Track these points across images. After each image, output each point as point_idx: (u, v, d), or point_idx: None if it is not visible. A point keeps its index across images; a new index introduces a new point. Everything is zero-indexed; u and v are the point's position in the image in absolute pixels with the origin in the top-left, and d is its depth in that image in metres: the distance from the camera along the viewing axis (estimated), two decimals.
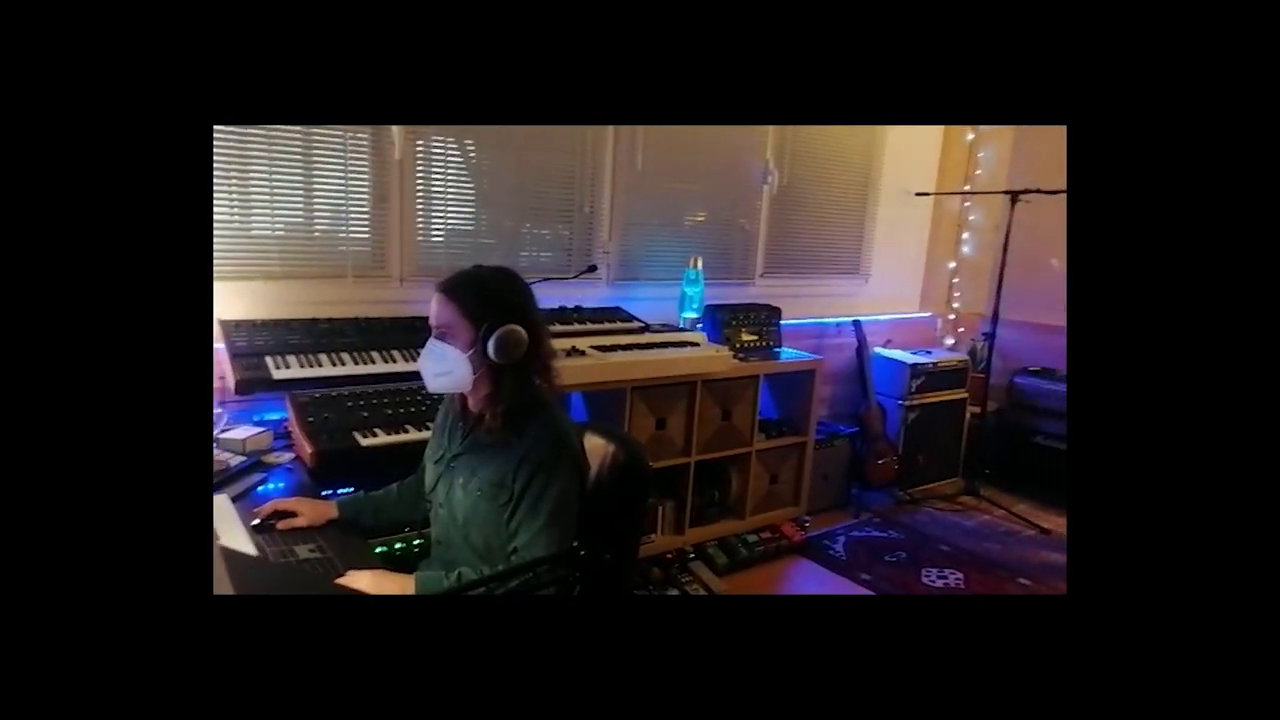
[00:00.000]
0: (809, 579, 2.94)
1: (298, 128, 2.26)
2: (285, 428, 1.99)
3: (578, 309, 2.76)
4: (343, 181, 2.38)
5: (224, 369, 1.96)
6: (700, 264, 2.99)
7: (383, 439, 1.87)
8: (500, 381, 1.34)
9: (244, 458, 1.80)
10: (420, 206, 2.55)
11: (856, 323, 3.66)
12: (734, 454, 3.02)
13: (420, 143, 2.50)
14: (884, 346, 3.89)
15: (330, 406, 1.93)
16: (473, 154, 2.69)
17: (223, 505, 1.54)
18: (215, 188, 2.11)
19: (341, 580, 1.25)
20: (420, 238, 2.58)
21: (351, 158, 2.38)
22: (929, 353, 3.88)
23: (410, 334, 2.22)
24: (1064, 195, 3.21)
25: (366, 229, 2.47)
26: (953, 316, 4.40)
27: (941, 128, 4.08)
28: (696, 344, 2.80)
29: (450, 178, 2.64)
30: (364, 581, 1.26)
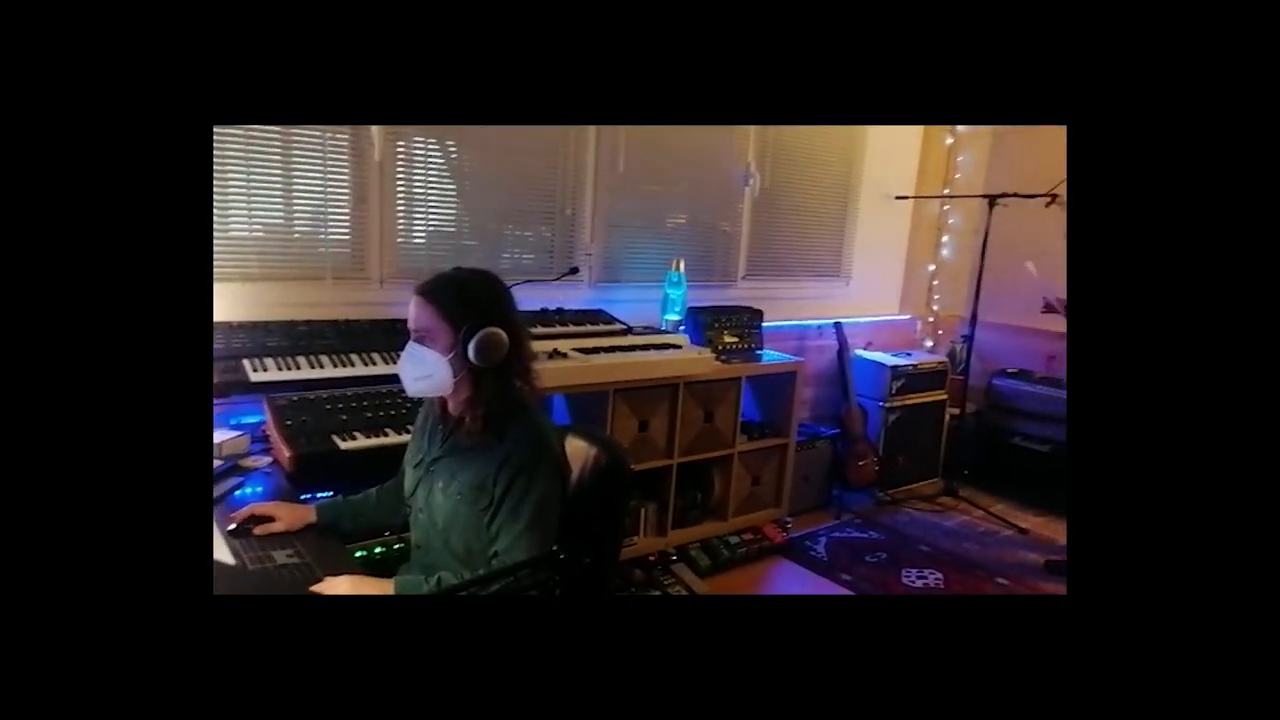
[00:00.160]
0: (790, 580, 2.96)
1: (276, 128, 2.24)
2: (263, 431, 1.97)
3: (560, 311, 2.76)
4: (322, 182, 2.36)
5: None
6: (683, 266, 2.99)
7: (362, 442, 1.85)
8: (481, 384, 1.34)
9: (221, 462, 1.78)
10: (402, 208, 2.54)
11: (837, 325, 3.68)
12: (716, 456, 3.03)
13: (400, 144, 2.48)
14: (865, 348, 3.92)
15: (309, 409, 1.91)
16: (455, 155, 2.68)
17: None
18: None
19: (318, 586, 1.24)
20: (401, 239, 2.56)
21: (330, 158, 2.36)
22: (909, 355, 3.91)
23: (390, 336, 2.20)
24: (1041, 199, 3.26)
25: (346, 230, 2.44)
26: (932, 319, 4.44)
27: (921, 132, 4.12)
28: (679, 346, 2.81)
29: (432, 179, 2.63)
30: (342, 587, 1.25)
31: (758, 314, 3.30)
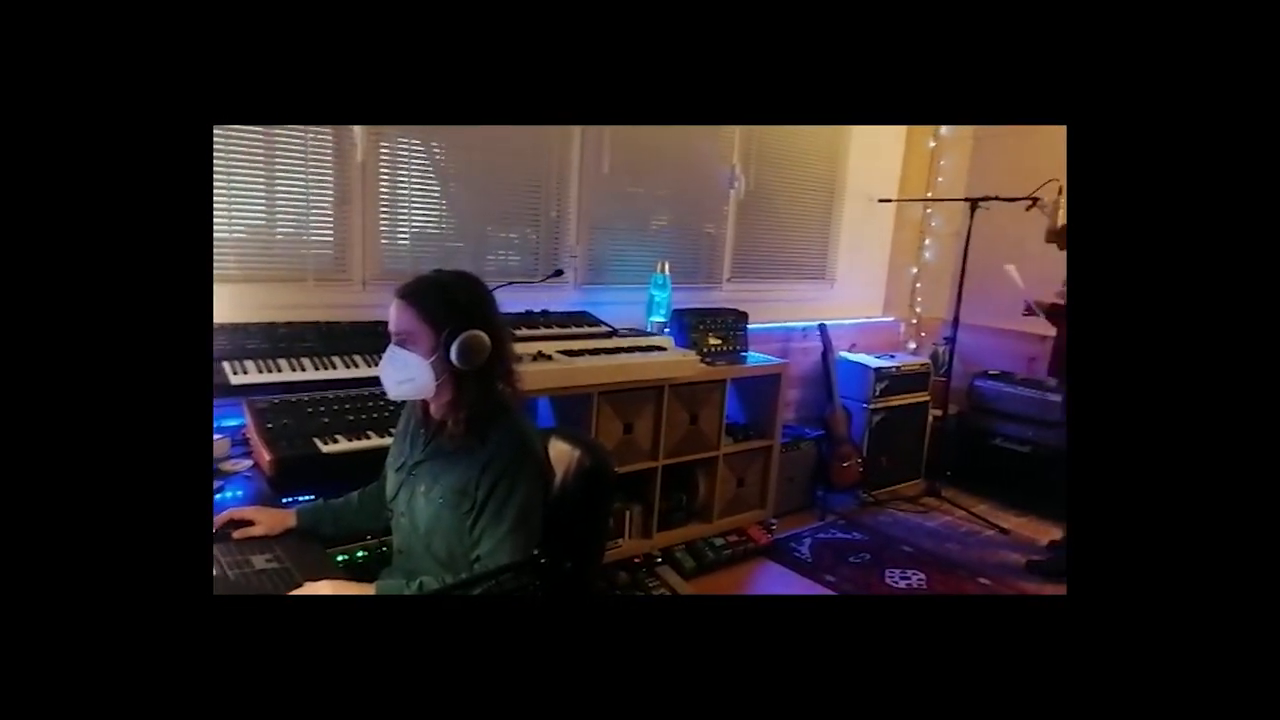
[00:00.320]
0: (774, 581, 2.97)
1: (258, 127, 2.22)
2: (243, 434, 1.95)
3: (544, 313, 2.75)
4: (304, 183, 2.34)
5: None
6: (668, 268, 3.00)
7: (344, 445, 1.84)
8: (463, 387, 1.33)
9: None
10: (385, 209, 2.52)
11: (822, 327, 3.70)
12: (701, 458, 3.04)
13: (384, 144, 2.47)
14: (849, 350, 3.93)
15: (290, 412, 1.89)
16: (440, 156, 2.67)
17: None
18: None
19: (298, 591, 1.23)
20: (385, 241, 2.54)
21: (313, 159, 2.34)
22: (892, 356, 3.94)
23: (373, 338, 2.18)
24: (1023, 203, 3.29)
25: (329, 232, 2.43)
26: (915, 321, 4.47)
27: (904, 135, 4.15)
28: (664, 348, 2.81)
29: (416, 180, 2.61)
30: (322, 591, 1.24)
31: (743, 316, 3.31)
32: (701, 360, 2.95)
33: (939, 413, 3.95)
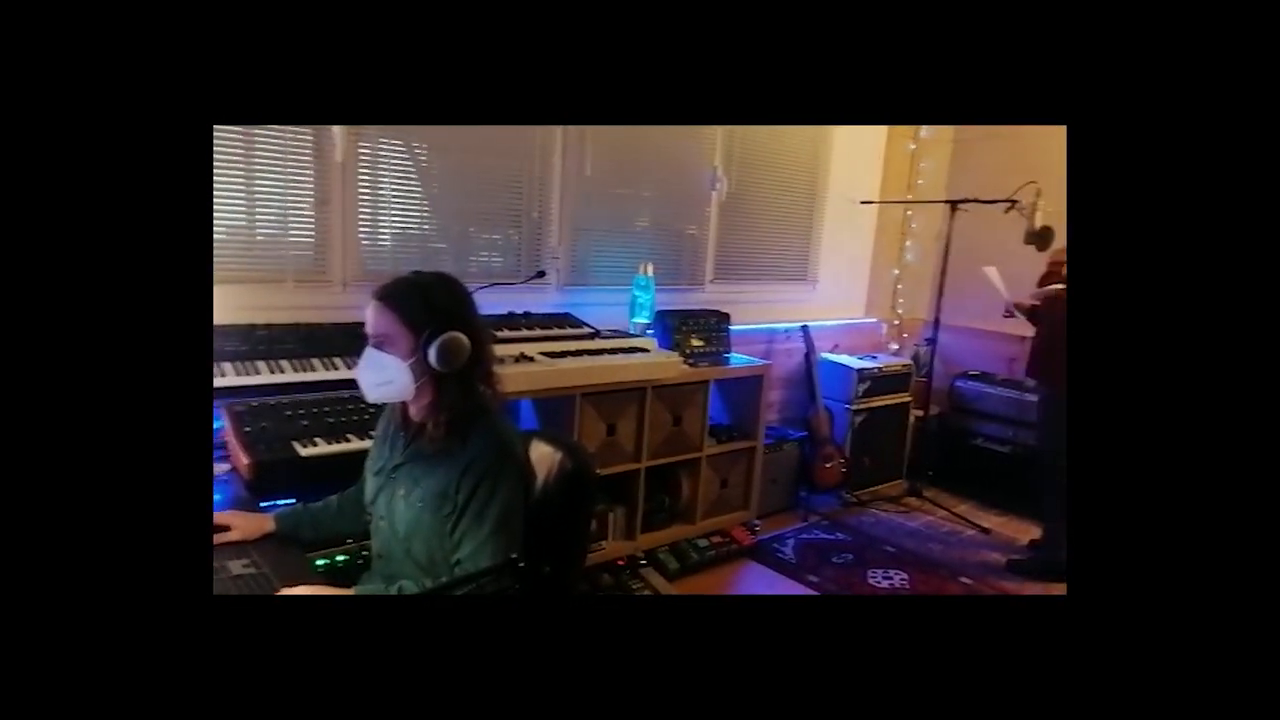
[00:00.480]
0: (758, 581, 2.97)
1: (236, 127, 2.19)
2: (220, 438, 1.92)
3: (527, 315, 2.74)
4: (283, 183, 2.31)
5: None
6: (651, 269, 3.00)
7: (324, 448, 1.82)
8: (443, 389, 1.32)
9: None
10: (366, 210, 2.50)
11: (804, 328, 3.72)
12: (684, 459, 3.04)
13: (364, 145, 2.45)
14: (831, 351, 3.96)
15: (268, 415, 1.87)
16: (422, 156, 2.65)
17: None
18: None
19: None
20: (367, 242, 2.52)
21: (292, 159, 2.31)
22: (874, 357, 3.96)
23: (353, 340, 2.15)
24: (1001, 205, 3.32)
25: (309, 233, 2.40)
26: (897, 322, 4.51)
27: (885, 137, 4.18)
28: (647, 350, 2.80)
29: (397, 180, 2.59)
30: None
31: (725, 317, 3.32)
32: (684, 362, 2.95)
33: (920, 413, 3.98)
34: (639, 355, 2.75)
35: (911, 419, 4.02)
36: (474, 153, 2.71)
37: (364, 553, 1.73)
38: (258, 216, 2.31)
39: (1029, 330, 3.20)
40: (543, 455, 1.51)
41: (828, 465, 3.63)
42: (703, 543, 3.04)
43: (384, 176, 2.54)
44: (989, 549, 3.39)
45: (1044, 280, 3.03)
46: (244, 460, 1.73)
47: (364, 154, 2.46)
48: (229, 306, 2.20)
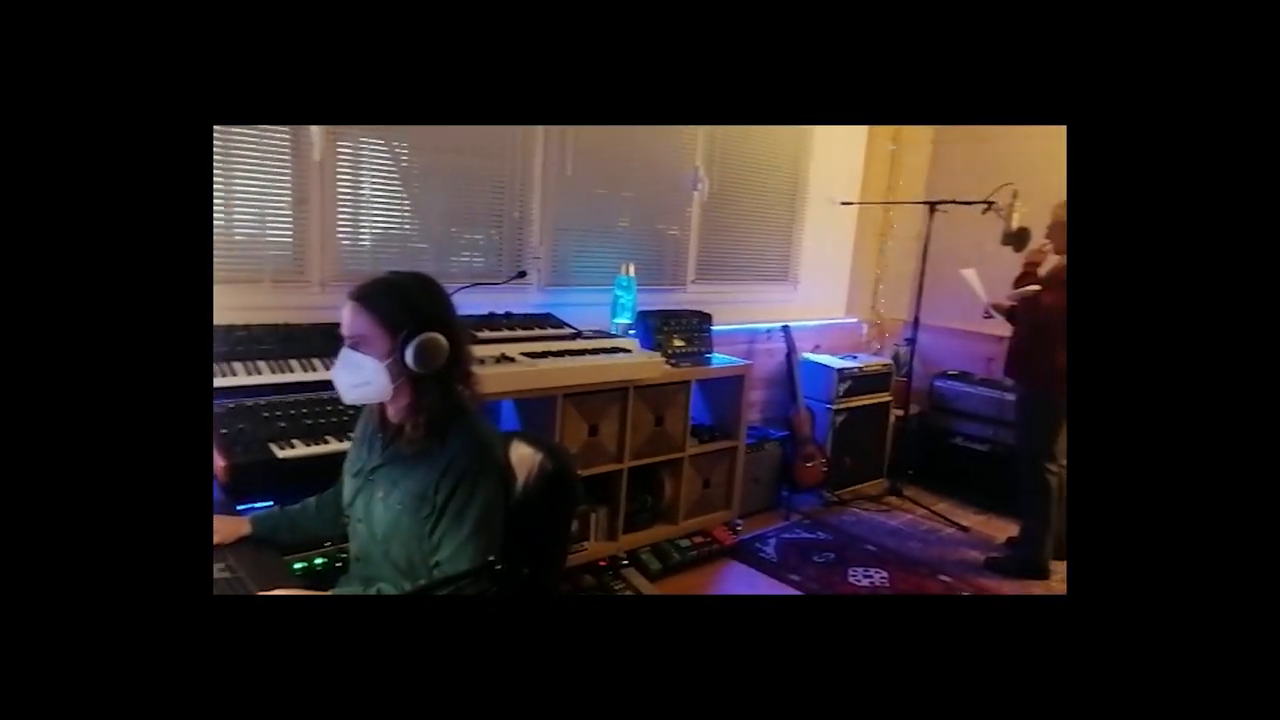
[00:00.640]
0: (739, 581, 2.98)
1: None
2: None
3: (508, 315, 2.73)
4: (260, 182, 2.29)
5: None
6: (632, 270, 3.00)
7: (301, 450, 1.81)
8: (421, 391, 1.31)
9: None
10: (347, 209, 2.48)
11: (785, 328, 3.74)
12: (667, 459, 3.04)
13: (343, 144, 2.43)
14: (812, 351, 3.98)
15: (245, 417, 1.85)
16: (404, 156, 2.63)
17: None
18: None
19: None
20: (347, 242, 2.50)
21: (269, 158, 2.29)
22: (855, 357, 3.99)
23: (332, 341, 2.10)
24: (979, 206, 3.36)
25: (288, 232, 2.38)
26: (877, 322, 4.54)
27: (865, 138, 4.20)
28: (629, 350, 2.80)
29: (377, 180, 2.57)
30: None
31: (707, 317, 3.32)
32: (666, 362, 2.95)
33: (900, 413, 4.02)
34: (621, 356, 2.75)
35: (892, 418, 4.06)
36: (454, 152, 2.70)
37: (342, 555, 1.71)
38: (235, 216, 2.28)
39: (1007, 330, 3.24)
40: (523, 456, 1.50)
41: (809, 465, 3.65)
42: (685, 543, 3.05)
43: (364, 176, 2.52)
44: (968, 547, 3.43)
45: (1020, 281, 3.06)
46: (221, 463, 1.71)
47: (344, 153, 2.44)
48: None
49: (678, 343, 3.15)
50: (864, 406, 3.91)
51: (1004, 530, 3.56)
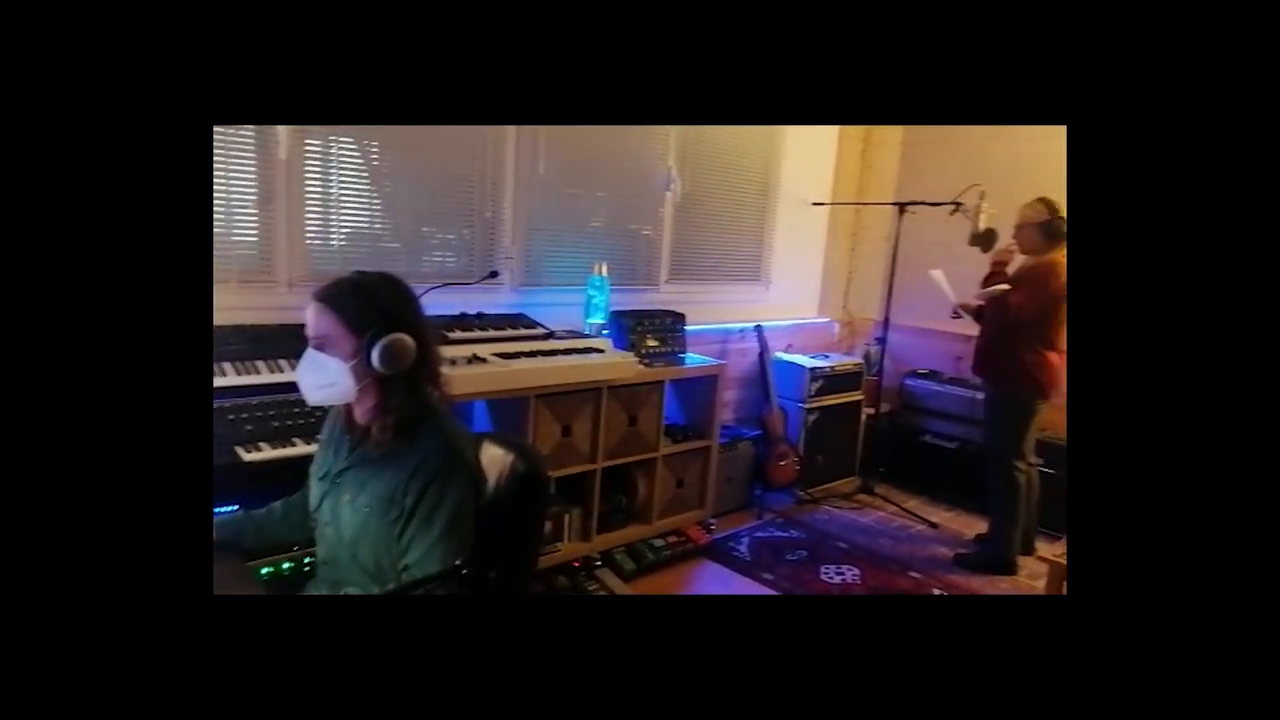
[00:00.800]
0: (714, 580, 2.99)
1: None
2: None
3: (480, 315, 2.71)
4: (224, 181, 2.24)
5: None
6: (605, 270, 2.99)
7: (268, 453, 1.78)
8: (388, 392, 1.30)
9: None
10: (316, 209, 2.44)
11: (758, 328, 3.76)
12: (640, 459, 3.04)
13: (310, 142, 2.39)
14: (785, 351, 4.00)
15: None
16: (374, 154, 2.60)
17: None
18: None
19: None
20: (317, 242, 2.47)
21: (234, 156, 2.25)
22: (827, 357, 4.03)
23: (299, 342, 2.07)
24: (947, 207, 3.41)
25: (254, 232, 2.34)
26: (849, 322, 4.59)
27: (836, 139, 4.24)
28: (602, 350, 2.80)
29: (347, 179, 2.54)
30: None
31: (680, 317, 3.33)
32: (640, 362, 2.95)
33: (871, 411, 4.06)
34: (594, 356, 2.74)
35: (863, 417, 4.10)
36: (426, 151, 2.67)
37: (310, 560, 1.69)
38: None
39: (975, 329, 3.29)
40: (494, 458, 1.49)
41: (782, 463, 3.67)
42: (659, 543, 3.05)
43: (334, 175, 2.49)
44: (937, 543, 3.47)
45: (987, 280, 3.11)
46: None
47: (312, 152, 2.40)
48: None
49: (651, 343, 3.15)
50: (836, 405, 3.94)
51: (972, 526, 3.61)
